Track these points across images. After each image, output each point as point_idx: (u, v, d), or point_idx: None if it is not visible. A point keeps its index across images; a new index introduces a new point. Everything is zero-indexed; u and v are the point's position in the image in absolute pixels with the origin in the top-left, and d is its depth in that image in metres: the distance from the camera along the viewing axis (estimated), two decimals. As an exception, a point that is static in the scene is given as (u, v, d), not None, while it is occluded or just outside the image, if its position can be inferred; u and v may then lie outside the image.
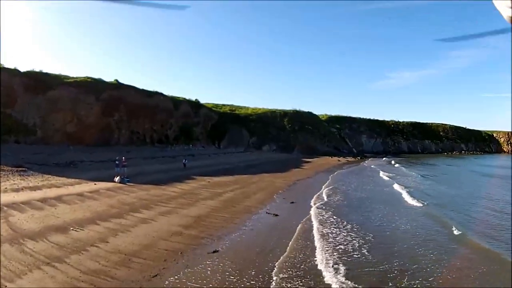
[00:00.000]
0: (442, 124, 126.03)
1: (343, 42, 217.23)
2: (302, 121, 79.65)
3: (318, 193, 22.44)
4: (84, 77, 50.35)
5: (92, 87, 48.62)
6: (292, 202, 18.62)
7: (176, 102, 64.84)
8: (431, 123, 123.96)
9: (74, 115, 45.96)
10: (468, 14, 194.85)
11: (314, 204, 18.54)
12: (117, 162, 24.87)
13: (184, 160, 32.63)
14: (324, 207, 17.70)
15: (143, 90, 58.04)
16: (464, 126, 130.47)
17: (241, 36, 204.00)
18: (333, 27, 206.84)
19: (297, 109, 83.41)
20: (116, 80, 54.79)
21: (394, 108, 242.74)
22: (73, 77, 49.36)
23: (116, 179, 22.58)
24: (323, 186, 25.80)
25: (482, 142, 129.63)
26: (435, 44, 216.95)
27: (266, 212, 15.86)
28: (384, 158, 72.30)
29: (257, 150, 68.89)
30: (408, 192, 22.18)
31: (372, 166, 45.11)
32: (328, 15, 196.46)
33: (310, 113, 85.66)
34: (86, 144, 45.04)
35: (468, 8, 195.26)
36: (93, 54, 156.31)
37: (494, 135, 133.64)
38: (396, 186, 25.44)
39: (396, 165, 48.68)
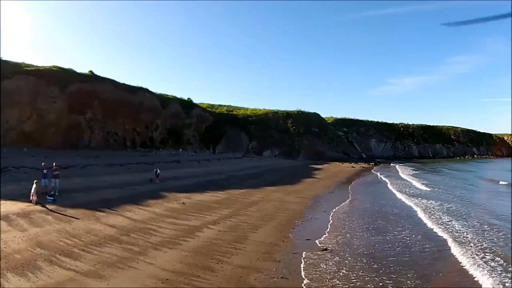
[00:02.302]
0: (452, 127, 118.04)
1: (341, 47, 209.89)
2: (307, 123, 70.96)
3: (358, 223, 13.70)
4: (50, 66, 41.88)
5: (57, 78, 40.03)
6: (325, 249, 9.90)
7: (165, 100, 56.34)
8: (442, 126, 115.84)
9: (33, 110, 37.38)
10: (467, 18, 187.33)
11: (366, 252, 9.86)
12: (44, 171, 16.28)
13: (155, 170, 23.63)
14: (379, 261, 9.03)
15: (124, 84, 49.52)
16: (474, 129, 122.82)
17: (238, 36, 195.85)
18: (332, 34, 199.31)
19: (302, 109, 74.52)
20: (91, 72, 46.31)
21: (395, 113, 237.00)
22: (35, 66, 40.83)
23: (33, 197, 13.97)
24: (356, 208, 17.07)
25: (493, 146, 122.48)
26: (434, 50, 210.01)
27: (283, 290, 7.08)
28: (391, 164, 63.46)
29: (257, 156, 60.17)
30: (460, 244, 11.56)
31: (384, 179, 35.11)
32: (324, 23, 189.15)
33: (316, 114, 76.92)
34: (48, 146, 36.43)
35: (467, 13, 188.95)
36: (80, 49, 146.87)
37: (505, 138, 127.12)
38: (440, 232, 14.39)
39: (414, 179, 37.65)
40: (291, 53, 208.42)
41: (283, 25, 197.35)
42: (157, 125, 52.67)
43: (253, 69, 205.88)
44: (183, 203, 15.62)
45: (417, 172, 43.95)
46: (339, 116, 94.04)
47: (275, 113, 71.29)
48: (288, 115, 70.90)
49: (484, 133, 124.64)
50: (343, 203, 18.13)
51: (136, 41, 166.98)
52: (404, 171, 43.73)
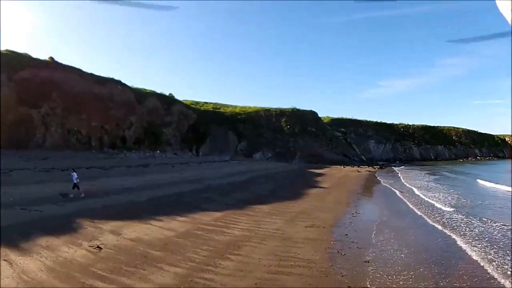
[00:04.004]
0: (454, 127, 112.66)
1: (332, 50, 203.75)
2: (303, 122, 64.16)
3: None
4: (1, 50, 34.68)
5: (4, 62, 32.71)
6: None
7: (141, 94, 49.19)
8: (443, 127, 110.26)
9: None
10: (457, 22, 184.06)
11: None
12: None
13: (72, 175, 15.33)
14: None
15: (91, 74, 42.16)
16: (476, 130, 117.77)
17: (230, 34, 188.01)
18: (322, 36, 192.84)
19: (297, 107, 67.51)
20: (51, 58, 38.97)
21: (386, 116, 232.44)
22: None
23: None
24: (420, 247, 9.83)
25: (495, 147, 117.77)
26: (425, 52, 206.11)
27: None
28: (396, 168, 56.22)
29: (247, 158, 53.30)
30: None
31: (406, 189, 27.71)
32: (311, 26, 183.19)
33: (312, 112, 69.87)
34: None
35: (457, 15, 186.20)
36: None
37: (507, 139, 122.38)
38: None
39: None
40: (282, 54, 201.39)
41: (275, 25, 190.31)
42: (131, 123, 45.47)
43: (242, 69, 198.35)
44: (98, 247, 8.33)
45: (436, 177, 37.12)
46: (337, 116, 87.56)
47: (267, 110, 64.38)
48: (281, 113, 64.07)
49: (485, 134, 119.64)
50: (387, 238, 10.55)
51: (119, 34, 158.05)
52: (420, 177, 36.95)
